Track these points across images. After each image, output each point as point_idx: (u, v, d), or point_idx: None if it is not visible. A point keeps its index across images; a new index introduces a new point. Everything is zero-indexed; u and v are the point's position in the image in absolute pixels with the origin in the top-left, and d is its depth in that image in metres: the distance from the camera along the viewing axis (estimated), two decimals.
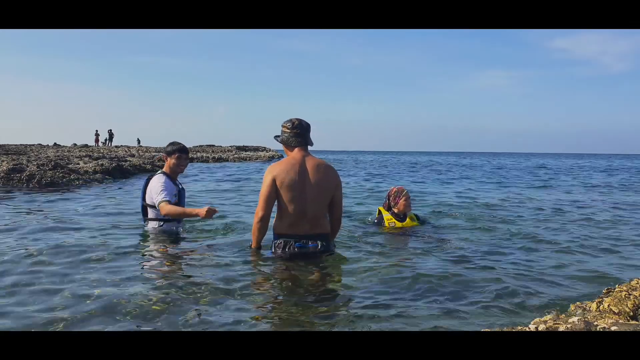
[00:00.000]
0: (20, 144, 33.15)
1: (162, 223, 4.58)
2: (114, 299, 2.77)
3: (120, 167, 13.07)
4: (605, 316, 2.28)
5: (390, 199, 5.47)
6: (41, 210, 6.34)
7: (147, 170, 14.33)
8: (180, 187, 4.70)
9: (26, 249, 3.94)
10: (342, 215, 4.00)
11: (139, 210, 4.94)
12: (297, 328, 2.48)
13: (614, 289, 2.59)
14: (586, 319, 2.06)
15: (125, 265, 3.58)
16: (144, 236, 4.61)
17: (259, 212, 3.68)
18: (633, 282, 2.69)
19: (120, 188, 10.07)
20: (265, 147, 40.83)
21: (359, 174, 18.17)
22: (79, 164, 13.29)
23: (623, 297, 2.43)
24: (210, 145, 41.33)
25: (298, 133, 3.73)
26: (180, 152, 4.62)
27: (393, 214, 5.41)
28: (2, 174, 9.54)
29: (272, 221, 3.79)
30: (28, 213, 6.09)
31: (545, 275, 3.55)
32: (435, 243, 4.66)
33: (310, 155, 3.74)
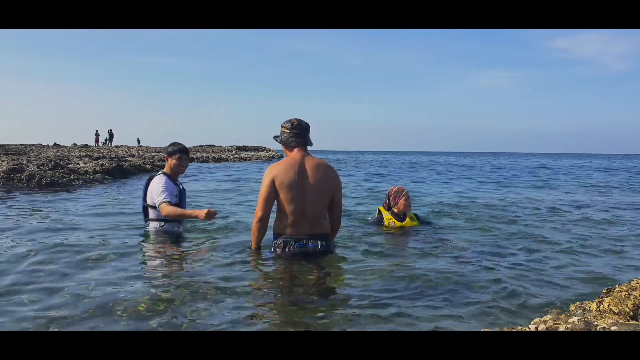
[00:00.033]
0: (20, 144, 33.16)
1: (163, 223, 4.58)
2: (114, 298, 2.77)
3: (120, 167, 13.08)
4: (605, 316, 2.28)
5: (390, 198, 5.47)
6: (41, 210, 6.34)
7: (147, 170, 14.32)
8: (181, 187, 4.70)
9: (26, 249, 3.94)
10: (342, 215, 4.00)
11: (140, 210, 4.94)
12: (297, 328, 2.48)
13: (614, 289, 2.59)
14: (586, 319, 2.06)
15: (126, 265, 3.58)
16: (145, 236, 4.61)
17: (258, 212, 3.68)
18: (633, 282, 2.69)
19: (120, 188, 10.07)
20: (265, 147, 40.85)
21: (358, 174, 18.17)
22: (79, 164, 13.29)
23: (623, 297, 2.43)
24: (210, 145, 41.34)
25: (297, 133, 3.72)
26: (181, 153, 4.63)
27: (393, 213, 5.41)
28: (2, 174, 9.54)
29: (272, 221, 3.79)
30: (28, 213, 6.08)
31: (545, 275, 3.55)
32: (435, 243, 4.66)
33: (309, 155, 3.74)
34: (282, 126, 3.80)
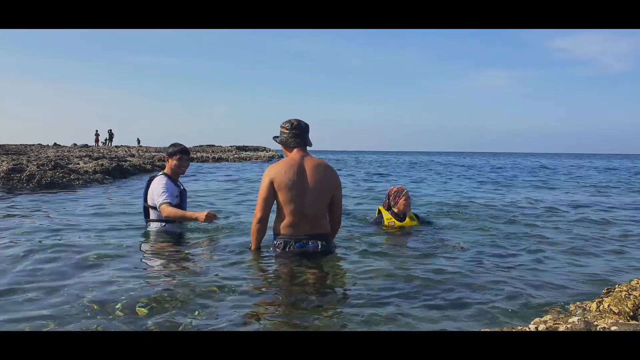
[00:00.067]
0: (20, 144, 33.18)
1: (164, 224, 4.59)
2: (114, 298, 2.77)
3: (120, 167, 13.08)
4: (605, 316, 2.28)
5: (390, 198, 5.47)
6: (41, 210, 6.34)
7: (147, 170, 14.33)
8: (182, 188, 4.70)
9: (25, 249, 3.94)
10: (342, 215, 4.00)
11: (140, 210, 4.95)
12: (297, 328, 2.48)
13: (614, 289, 2.59)
14: (586, 319, 2.06)
15: (125, 265, 3.58)
16: (146, 236, 4.61)
17: (257, 213, 3.68)
18: (633, 282, 2.69)
19: (120, 188, 10.07)
20: (265, 147, 40.86)
21: (358, 174, 18.17)
22: (79, 164, 13.29)
23: (623, 297, 2.43)
24: (210, 145, 41.35)
25: (297, 134, 3.72)
26: (182, 154, 4.63)
27: (393, 213, 5.41)
28: (2, 174, 9.54)
29: (271, 222, 3.79)
30: (28, 213, 6.09)
31: (545, 275, 3.55)
32: (434, 243, 4.66)
33: (309, 155, 3.74)
34: (281, 126, 3.80)
